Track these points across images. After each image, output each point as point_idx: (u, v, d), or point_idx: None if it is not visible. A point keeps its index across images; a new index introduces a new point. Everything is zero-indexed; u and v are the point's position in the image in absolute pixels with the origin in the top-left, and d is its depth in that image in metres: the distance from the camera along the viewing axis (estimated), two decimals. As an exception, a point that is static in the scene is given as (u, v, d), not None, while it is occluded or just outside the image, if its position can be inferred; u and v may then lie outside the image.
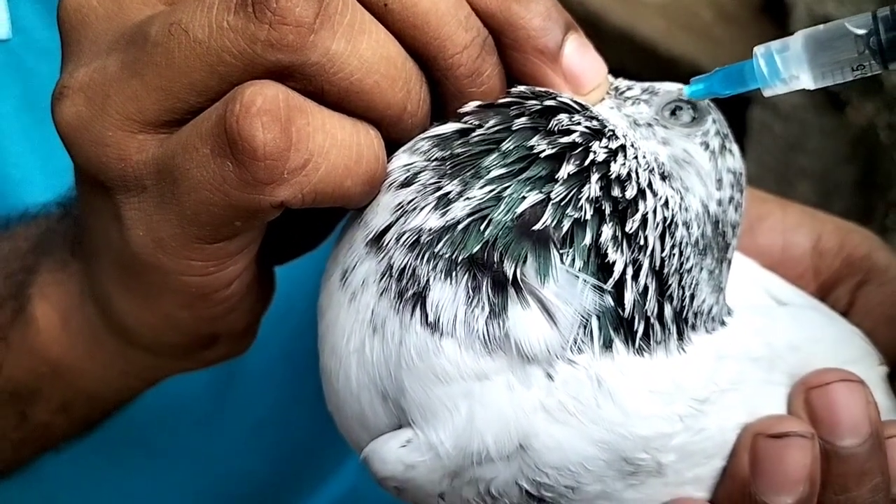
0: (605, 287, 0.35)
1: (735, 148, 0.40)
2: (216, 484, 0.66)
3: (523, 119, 0.36)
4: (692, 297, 0.37)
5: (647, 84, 0.40)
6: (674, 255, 0.36)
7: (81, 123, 0.35)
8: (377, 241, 0.36)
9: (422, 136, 0.37)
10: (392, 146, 0.37)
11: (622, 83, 0.40)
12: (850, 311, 0.46)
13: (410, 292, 0.35)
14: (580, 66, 0.38)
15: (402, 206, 0.35)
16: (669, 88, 0.40)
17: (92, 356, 0.43)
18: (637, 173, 0.36)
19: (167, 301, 0.38)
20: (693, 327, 0.37)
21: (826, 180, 1.13)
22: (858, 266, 0.47)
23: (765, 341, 0.39)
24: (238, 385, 0.64)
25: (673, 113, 0.39)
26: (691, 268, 0.37)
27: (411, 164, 0.36)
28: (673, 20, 1.23)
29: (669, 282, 0.36)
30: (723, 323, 0.38)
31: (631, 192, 0.36)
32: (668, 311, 0.36)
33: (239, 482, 0.67)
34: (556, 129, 0.36)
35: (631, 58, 1.18)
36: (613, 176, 0.36)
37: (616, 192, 0.36)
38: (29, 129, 0.55)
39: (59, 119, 0.36)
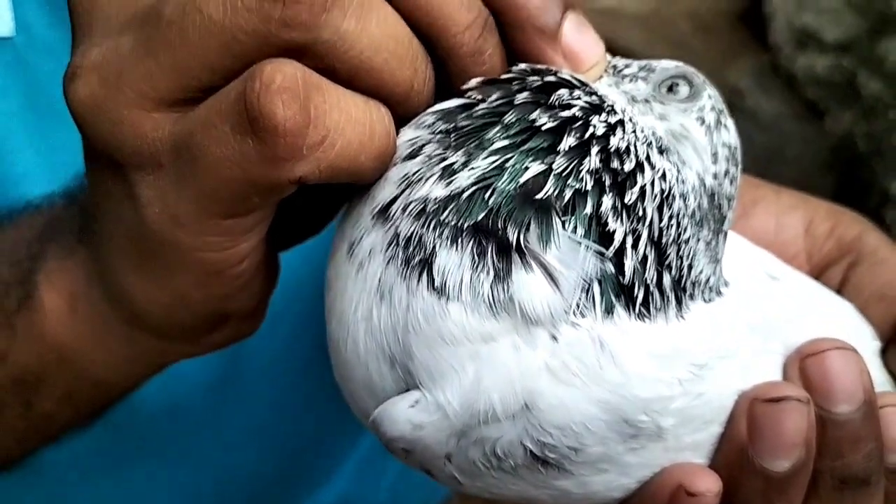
0: (606, 254, 0.36)
1: (730, 123, 0.41)
2: (217, 483, 0.66)
3: (525, 94, 0.37)
4: (690, 266, 0.38)
5: (644, 62, 0.41)
6: (672, 225, 0.37)
7: (95, 102, 0.35)
8: (384, 212, 0.36)
9: (427, 111, 0.37)
10: (398, 125, 0.37)
11: (620, 61, 0.41)
12: (842, 290, 0.47)
13: (417, 259, 0.35)
14: (579, 43, 0.39)
15: (408, 178, 0.36)
16: (666, 66, 0.40)
17: (98, 342, 0.43)
18: (635, 147, 0.37)
19: (181, 279, 0.38)
20: (691, 296, 0.38)
21: (805, 189, 1.14)
22: (850, 248, 0.48)
23: (761, 312, 0.40)
24: (239, 384, 0.65)
25: (670, 89, 0.40)
26: (689, 238, 0.38)
27: (416, 137, 0.37)
28: (652, 32, 1.24)
29: (668, 251, 0.37)
30: (720, 293, 0.39)
31: (629, 165, 0.37)
32: (666, 279, 0.37)
33: (239, 481, 0.67)
34: (556, 103, 0.37)
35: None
36: (613, 149, 0.37)
37: (615, 164, 0.36)
38: (31, 127, 0.55)
39: (72, 98, 0.36)
